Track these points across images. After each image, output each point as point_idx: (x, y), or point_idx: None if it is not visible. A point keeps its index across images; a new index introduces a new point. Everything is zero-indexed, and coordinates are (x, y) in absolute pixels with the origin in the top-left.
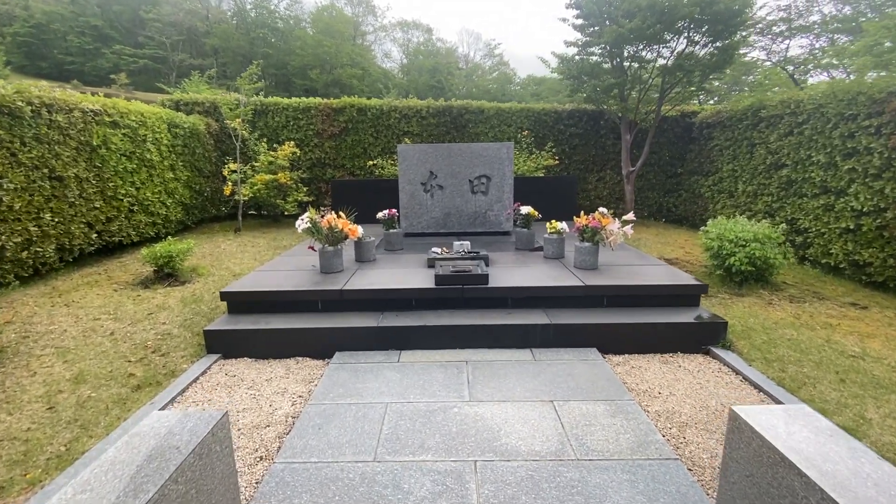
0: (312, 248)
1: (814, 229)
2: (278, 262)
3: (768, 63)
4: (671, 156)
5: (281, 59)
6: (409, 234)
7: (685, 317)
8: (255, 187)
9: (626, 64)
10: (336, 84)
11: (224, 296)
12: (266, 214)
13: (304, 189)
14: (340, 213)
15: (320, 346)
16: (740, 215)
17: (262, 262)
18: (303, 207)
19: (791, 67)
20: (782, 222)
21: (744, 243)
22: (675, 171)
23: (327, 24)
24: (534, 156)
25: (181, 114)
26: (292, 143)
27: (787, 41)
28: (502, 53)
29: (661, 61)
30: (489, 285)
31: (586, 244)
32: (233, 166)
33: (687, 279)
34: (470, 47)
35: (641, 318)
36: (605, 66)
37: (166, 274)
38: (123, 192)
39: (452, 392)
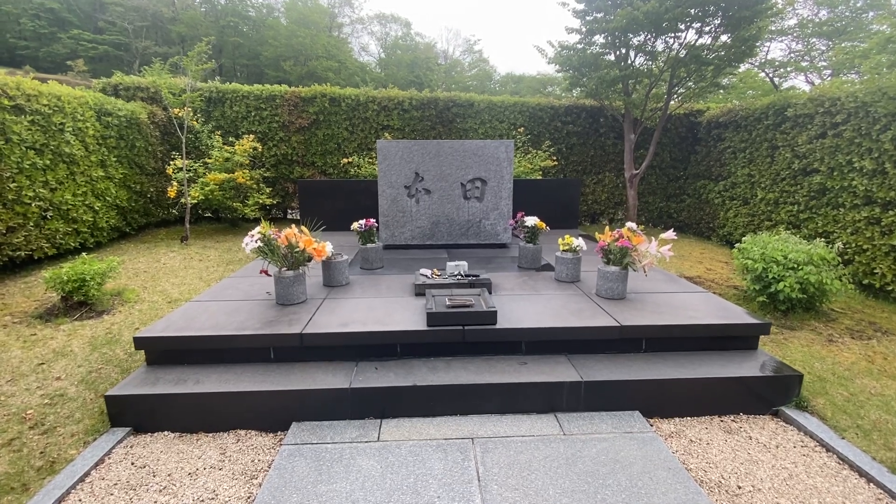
0: (266, 272)
1: (853, 245)
2: (224, 287)
3: (744, 66)
4: (674, 158)
5: (253, 48)
6: (391, 246)
7: (745, 366)
8: (208, 188)
9: (633, 55)
10: (311, 76)
11: (140, 343)
12: (224, 218)
13: (268, 190)
14: (303, 227)
15: (271, 415)
16: (760, 226)
17: (209, 281)
18: (266, 211)
19: (770, 70)
20: (810, 235)
21: (795, 266)
22: (677, 175)
23: (302, 14)
24: (529, 155)
25: (116, 99)
26: (252, 136)
27: (766, 44)
28: (482, 50)
29: (669, 53)
30: (497, 326)
31: (613, 269)
32: (178, 163)
33: (741, 314)
34: (449, 43)
35: (692, 370)
36: (608, 57)
37: (78, 302)
38: (31, 194)
39: (457, 498)
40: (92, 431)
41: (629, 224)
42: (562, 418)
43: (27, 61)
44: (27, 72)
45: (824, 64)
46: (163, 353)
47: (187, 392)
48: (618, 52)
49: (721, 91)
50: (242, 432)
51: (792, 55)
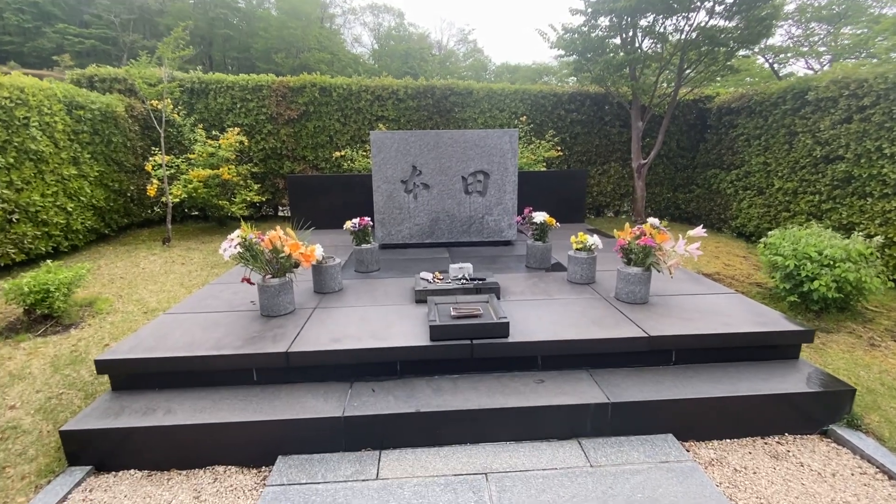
0: (249, 280)
1: (884, 237)
2: (203, 297)
3: (742, 52)
4: (682, 146)
5: (243, 41)
6: (388, 245)
7: (790, 380)
8: (191, 185)
9: (640, 37)
10: (303, 68)
11: (102, 367)
12: (211, 217)
13: (256, 187)
14: (288, 229)
15: (254, 448)
16: (776, 217)
17: (191, 287)
18: (256, 208)
19: (770, 55)
20: (833, 227)
21: (831, 263)
22: (686, 164)
23: (293, 5)
24: (532, 146)
25: (89, 92)
26: (238, 129)
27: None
28: (476, 40)
29: (678, 35)
30: (510, 340)
31: (634, 270)
32: (158, 159)
33: (779, 320)
34: (443, 33)
35: (730, 386)
36: (614, 40)
37: (42, 315)
38: None
39: None
40: (46, 472)
41: (651, 220)
42: (587, 445)
43: (12, 57)
44: (11, 68)
45: (824, 49)
46: (129, 377)
47: (156, 424)
48: (624, 35)
49: (733, 74)
50: (221, 469)
51: (791, 40)
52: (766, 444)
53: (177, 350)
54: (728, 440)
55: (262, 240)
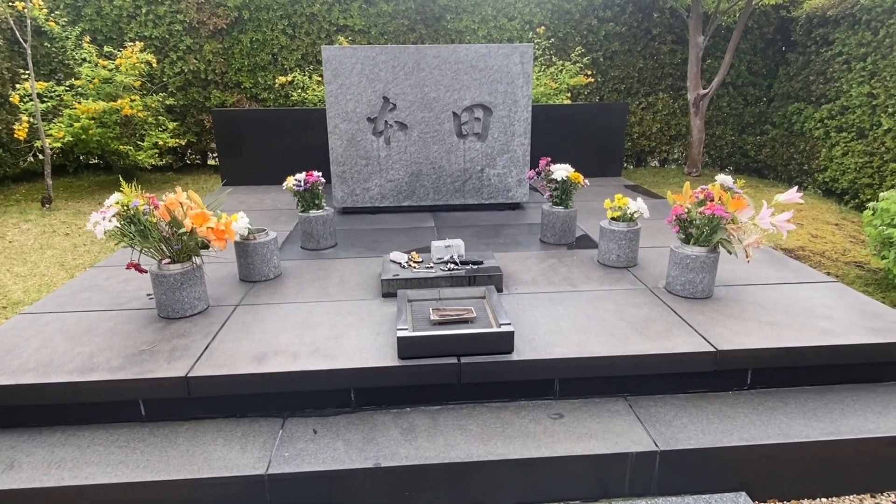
0: (136, 266)
1: None
2: (82, 287)
3: None
4: (754, 71)
5: None
6: (350, 209)
7: None
8: (78, 124)
9: None
10: None
11: None
12: (116, 167)
13: (172, 126)
14: (191, 192)
15: None
16: (881, 169)
17: (74, 270)
18: (178, 156)
19: None
20: None
21: None
22: (759, 96)
23: None
24: (552, 69)
25: None
26: (142, 44)
27: None
28: None
29: None
30: (515, 357)
31: (696, 251)
32: (27, 86)
33: None
34: None
35: (830, 425)
36: None
37: None
38: None
39: None
40: None
41: (722, 177)
42: None
43: None
44: None
45: None
46: None
47: None
48: None
49: None
50: None
51: None
52: None
53: (25, 372)
54: (824, 500)
55: (158, 206)
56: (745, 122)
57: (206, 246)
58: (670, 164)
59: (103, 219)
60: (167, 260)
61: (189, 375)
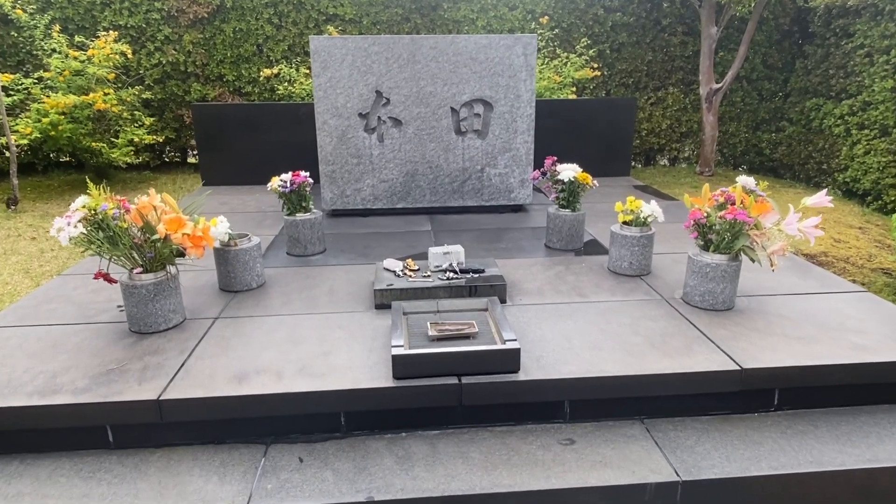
0: (105, 276)
1: None
2: (48, 297)
3: None
4: (770, 65)
5: None
6: (340, 212)
7: None
8: (47, 120)
9: None
10: None
11: None
12: (87, 164)
13: (149, 121)
14: (166, 195)
15: None
16: None
17: (40, 278)
18: (156, 154)
19: None
20: None
21: None
22: (775, 91)
23: None
24: (557, 62)
25: None
26: (116, 34)
27: None
28: None
29: None
30: (521, 377)
31: (716, 259)
32: None
33: None
34: None
35: (867, 451)
36: None
37: None
38: None
39: None
40: None
41: (744, 179)
42: None
43: None
44: None
45: None
46: None
47: None
48: None
49: None
50: None
51: None
52: None
53: None
54: None
55: (129, 210)
56: (760, 119)
57: (181, 254)
58: (680, 163)
59: (68, 224)
60: (139, 269)
61: (161, 398)
